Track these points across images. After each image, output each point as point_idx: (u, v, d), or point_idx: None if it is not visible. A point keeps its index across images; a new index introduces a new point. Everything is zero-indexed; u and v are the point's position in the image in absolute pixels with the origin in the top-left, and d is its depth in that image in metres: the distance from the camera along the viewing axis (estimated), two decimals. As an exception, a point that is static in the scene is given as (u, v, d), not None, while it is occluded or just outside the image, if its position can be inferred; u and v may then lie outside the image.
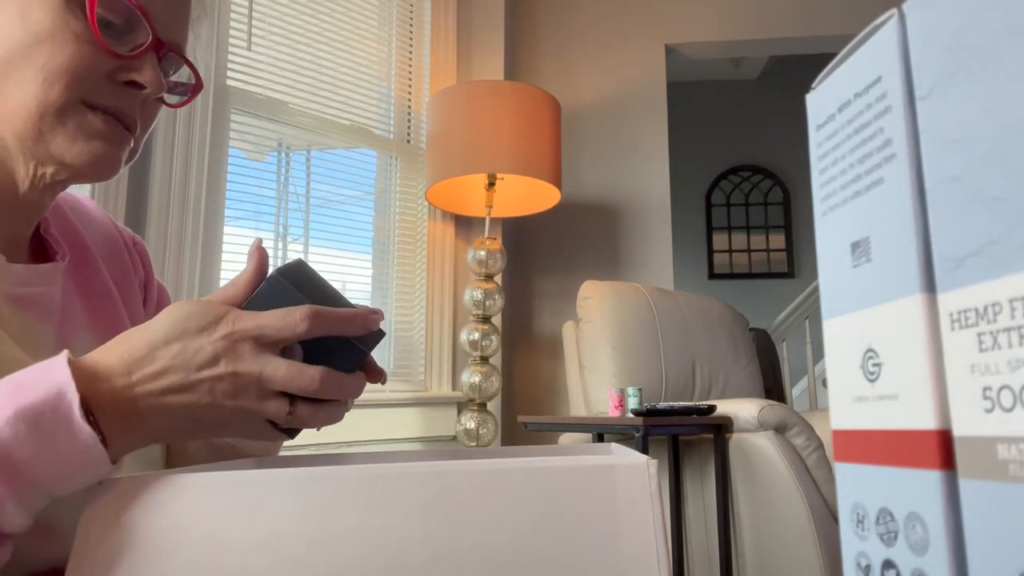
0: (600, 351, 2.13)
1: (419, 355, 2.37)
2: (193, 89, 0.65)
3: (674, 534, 1.90)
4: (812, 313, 3.98)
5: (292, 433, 0.50)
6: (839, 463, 0.23)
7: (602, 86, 2.88)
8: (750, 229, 5.43)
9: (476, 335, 2.23)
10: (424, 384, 2.36)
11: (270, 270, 0.51)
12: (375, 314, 0.50)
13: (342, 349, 0.48)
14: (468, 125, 2.16)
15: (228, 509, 0.37)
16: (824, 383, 3.81)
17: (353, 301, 0.52)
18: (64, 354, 0.43)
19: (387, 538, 0.36)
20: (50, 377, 0.41)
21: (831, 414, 0.24)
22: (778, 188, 5.43)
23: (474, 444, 2.20)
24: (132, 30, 0.55)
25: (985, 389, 0.17)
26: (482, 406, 2.26)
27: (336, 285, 2.19)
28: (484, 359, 2.25)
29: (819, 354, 4.07)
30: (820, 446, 1.75)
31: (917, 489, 0.19)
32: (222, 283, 1.89)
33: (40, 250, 0.63)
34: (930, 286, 0.19)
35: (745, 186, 5.47)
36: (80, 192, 0.72)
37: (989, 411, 0.17)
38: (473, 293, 2.26)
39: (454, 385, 2.38)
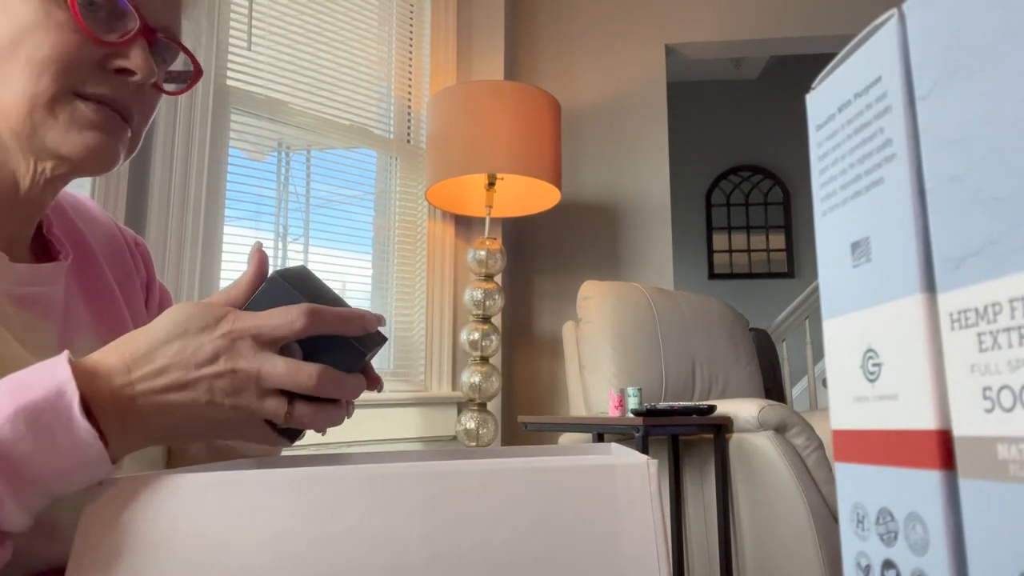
0: (600, 351, 2.13)
1: (419, 355, 2.37)
2: (193, 76, 0.64)
3: (674, 534, 1.90)
4: (812, 313, 3.98)
5: (291, 436, 0.50)
6: (839, 463, 0.23)
7: (602, 86, 2.88)
8: (750, 229, 5.43)
9: (476, 335, 2.23)
10: (424, 384, 2.36)
11: (270, 271, 0.51)
12: (375, 317, 0.50)
13: (341, 350, 0.48)
14: (468, 125, 2.16)
15: (228, 509, 0.37)
16: (824, 383, 3.81)
17: (353, 303, 0.52)
18: (65, 354, 0.43)
19: (387, 538, 0.36)
20: (50, 376, 0.41)
21: (831, 414, 0.24)
22: (778, 188, 5.43)
23: (474, 444, 2.20)
24: (120, 17, 0.55)
25: (985, 389, 0.17)
26: (482, 406, 2.26)
27: (336, 285, 2.19)
28: (484, 359, 2.25)
29: (819, 354, 4.06)
30: (820, 446, 1.75)
31: (917, 489, 0.19)
32: (222, 283, 1.89)
33: (43, 250, 0.63)
34: (930, 286, 0.19)
35: (745, 186, 5.47)
36: (81, 193, 0.72)
37: (989, 411, 0.17)
38: (473, 293, 2.26)
39: (454, 385, 2.38)
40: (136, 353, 0.44)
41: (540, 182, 2.25)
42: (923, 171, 0.20)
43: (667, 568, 0.36)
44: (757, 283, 5.36)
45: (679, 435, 1.91)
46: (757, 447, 1.73)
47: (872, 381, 0.21)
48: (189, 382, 0.44)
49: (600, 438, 1.88)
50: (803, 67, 5.23)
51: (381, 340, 0.53)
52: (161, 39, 0.59)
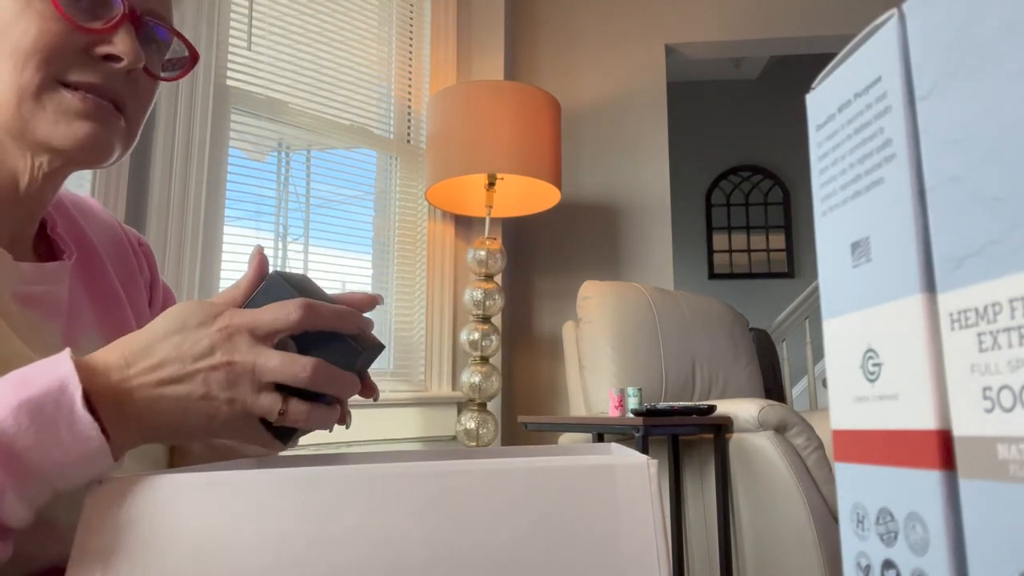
0: (600, 351, 2.13)
1: (419, 355, 2.37)
2: (189, 61, 0.63)
3: (674, 534, 1.90)
4: (812, 313, 3.98)
5: (284, 437, 0.50)
6: (839, 463, 0.23)
7: (602, 86, 2.88)
8: (750, 229, 5.43)
9: (476, 335, 2.23)
10: (424, 384, 2.36)
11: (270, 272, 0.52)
12: (374, 299, 0.50)
13: (336, 348, 0.49)
14: (468, 125, 2.16)
15: (228, 509, 0.37)
16: (824, 383, 3.81)
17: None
18: (66, 351, 0.43)
19: (387, 538, 0.36)
20: (53, 371, 0.42)
21: (831, 414, 0.24)
22: (778, 188, 5.43)
23: (474, 444, 2.20)
24: (104, 3, 0.54)
25: (985, 389, 0.17)
26: (482, 406, 2.26)
27: (336, 285, 2.19)
28: (484, 359, 2.25)
29: (819, 354, 4.07)
30: (820, 446, 1.75)
31: (917, 489, 0.19)
32: (222, 283, 1.89)
33: (47, 249, 0.63)
34: (930, 286, 0.19)
35: (745, 186, 5.47)
36: (84, 193, 0.72)
37: (989, 411, 0.17)
38: (473, 293, 2.26)
39: (454, 385, 2.38)
40: (135, 349, 0.45)
41: (540, 182, 2.25)
42: (923, 171, 0.20)
43: (667, 568, 0.36)
44: (757, 283, 5.36)
45: (679, 435, 1.91)
46: (757, 447, 1.73)
47: (872, 381, 0.21)
48: (185, 375, 0.45)
49: (600, 438, 1.88)
50: (803, 67, 5.23)
51: (378, 347, 0.53)
52: (150, 24, 0.58)
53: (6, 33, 0.52)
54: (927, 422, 0.19)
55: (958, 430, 0.18)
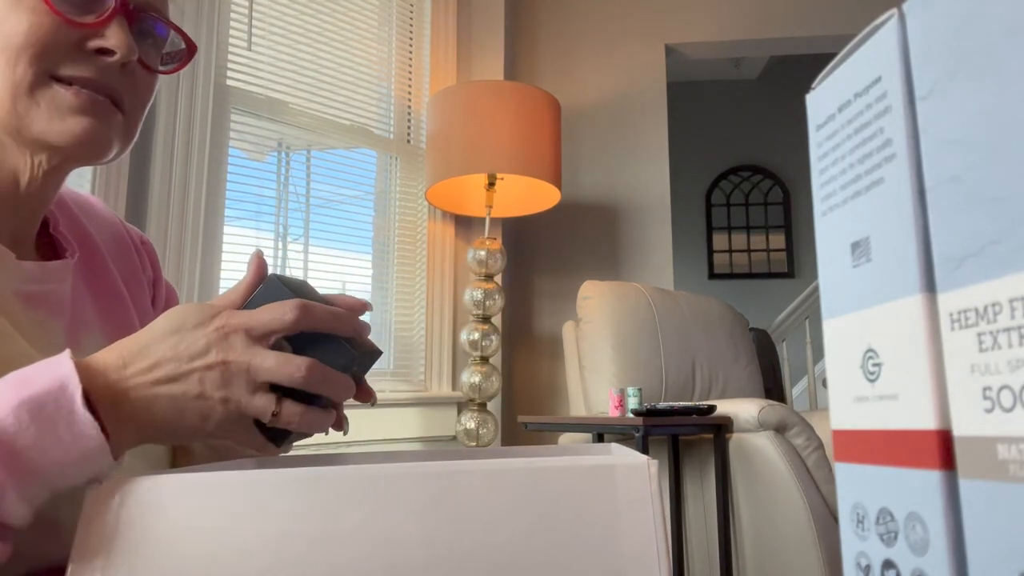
0: (600, 351, 2.13)
1: (419, 355, 2.37)
2: (186, 54, 0.63)
3: (674, 534, 1.90)
4: (812, 313, 3.98)
5: (279, 440, 0.50)
6: (839, 463, 0.23)
7: (602, 86, 2.88)
8: (750, 229, 5.43)
9: (476, 335, 2.23)
10: (424, 384, 2.36)
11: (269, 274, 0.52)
12: (364, 305, 0.52)
13: (332, 350, 0.49)
14: (468, 125, 2.16)
15: (228, 509, 0.37)
16: (824, 383, 3.81)
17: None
18: (66, 351, 0.44)
19: (388, 538, 0.36)
20: (53, 371, 0.42)
21: (831, 414, 0.24)
22: (778, 188, 5.43)
23: (474, 444, 2.20)
24: None
25: (985, 389, 0.17)
26: (482, 406, 2.26)
27: (336, 286, 2.19)
28: (484, 359, 2.25)
29: (819, 354, 4.06)
30: (820, 446, 1.75)
31: (917, 489, 0.19)
32: (222, 283, 1.89)
33: (49, 248, 0.63)
34: (930, 286, 0.19)
35: (745, 186, 5.47)
36: (86, 192, 0.72)
37: (989, 411, 0.17)
38: (473, 293, 2.26)
39: (454, 385, 2.38)
40: (133, 349, 0.45)
41: (540, 182, 2.25)
42: (923, 171, 0.20)
43: (667, 568, 0.36)
44: (757, 283, 5.36)
45: (679, 435, 1.91)
46: (757, 447, 1.73)
47: (872, 381, 0.21)
48: (180, 375, 0.45)
49: (600, 438, 1.88)
50: (803, 67, 5.23)
51: (375, 353, 0.53)
52: (145, 18, 0.58)
53: None
54: (927, 422, 0.19)
55: (958, 430, 0.18)
